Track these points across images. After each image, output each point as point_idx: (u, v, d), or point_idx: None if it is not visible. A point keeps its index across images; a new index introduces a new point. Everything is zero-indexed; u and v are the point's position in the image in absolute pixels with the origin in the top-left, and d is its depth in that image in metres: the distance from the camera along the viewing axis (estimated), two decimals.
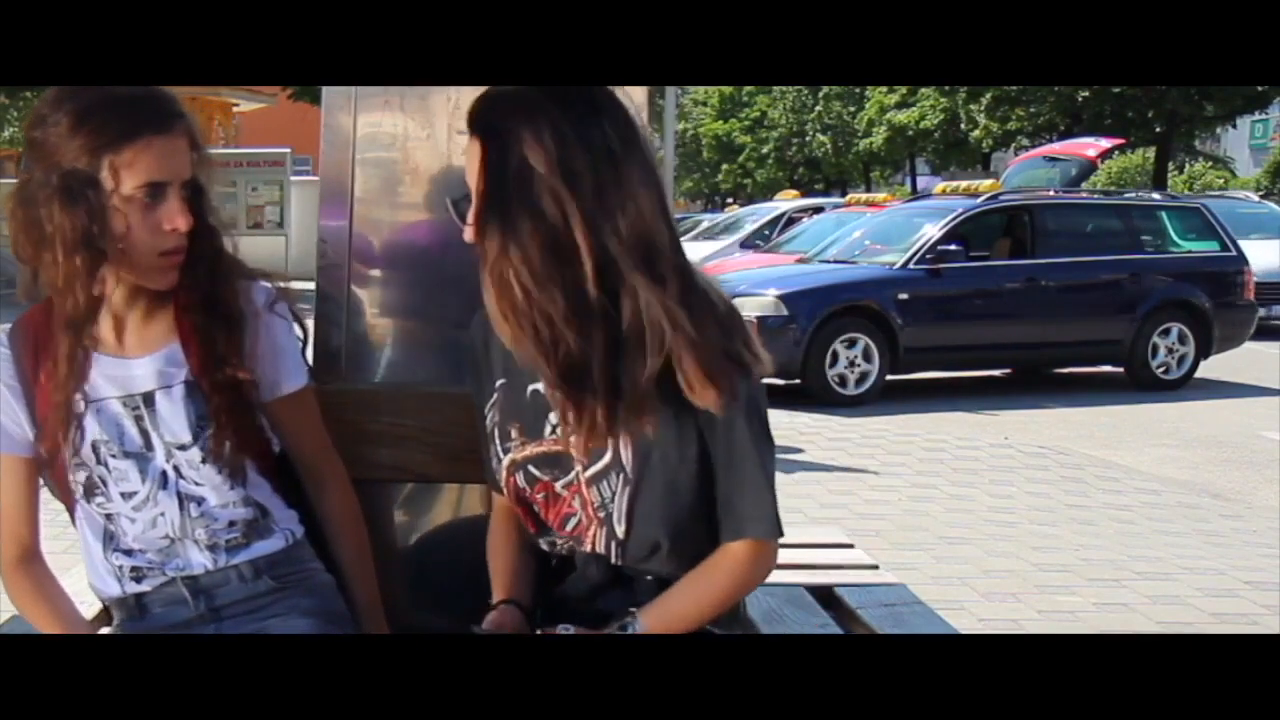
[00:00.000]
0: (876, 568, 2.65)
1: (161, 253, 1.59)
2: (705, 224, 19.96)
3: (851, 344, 8.80)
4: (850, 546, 2.84)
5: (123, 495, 1.65)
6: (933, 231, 9.41)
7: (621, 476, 1.52)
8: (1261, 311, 10.70)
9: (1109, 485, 6.23)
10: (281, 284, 1.73)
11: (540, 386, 1.55)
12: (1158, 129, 25.44)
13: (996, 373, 10.09)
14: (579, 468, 1.54)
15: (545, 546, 1.61)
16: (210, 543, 1.68)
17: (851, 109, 37.53)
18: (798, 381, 8.71)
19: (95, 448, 1.63)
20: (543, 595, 1.62)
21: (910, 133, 32.66)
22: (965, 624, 3.94)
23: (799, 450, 6.88)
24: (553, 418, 1.55)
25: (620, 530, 1.54)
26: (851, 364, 8.80)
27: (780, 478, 1.55)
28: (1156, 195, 12.71)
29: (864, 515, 5.51)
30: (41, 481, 1.69)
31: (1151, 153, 25.87)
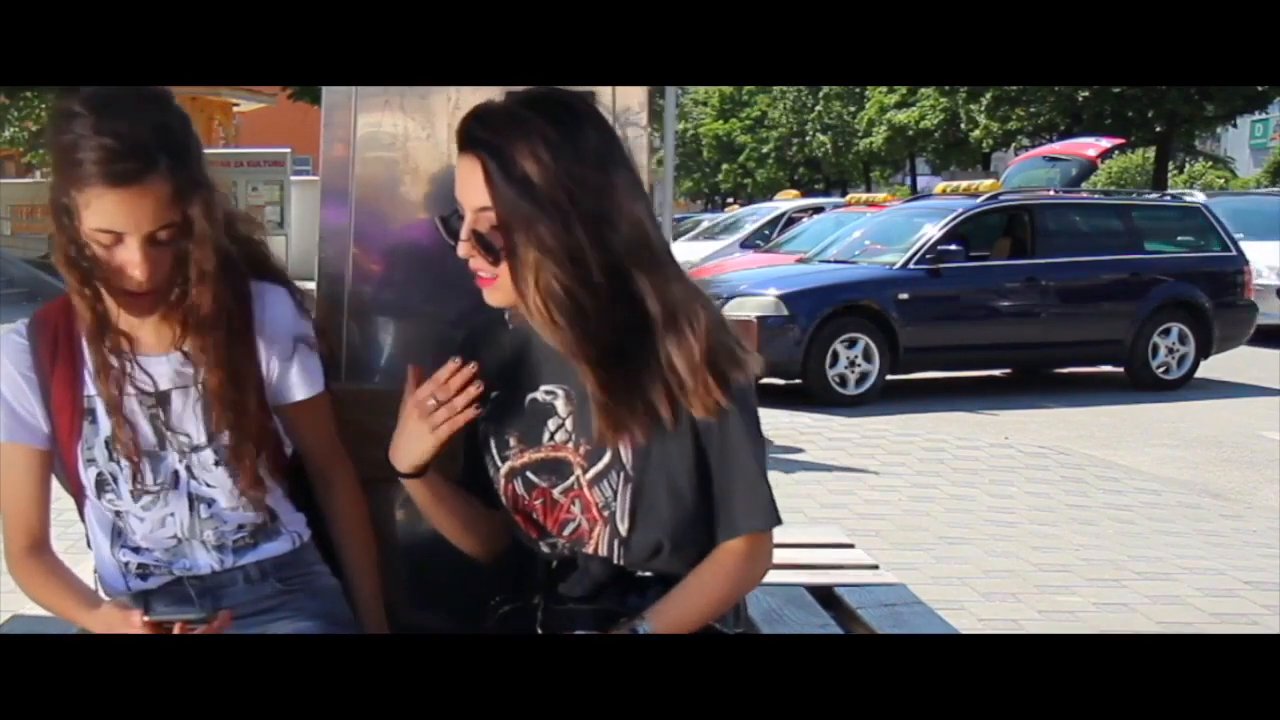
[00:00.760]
0: (876, 568, 2.66)
1: (126, 291, 1.56)
2: (705, 224, 20.00)
3: (852, 344, 8.80)
4: (850, 546, 2.84)
5: (133, 493, 1.65)
6: (933, 231, 9.40)
7: (622, 475, 1.54)
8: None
9: (1109, 485, 6.22)
10: (299, 284, 1.74)
11: (540, 395, 1.58)
12: (1158, 129, 25.44)
13: (996, 373, 10.08)
14: (579, 471, 1.56)
15: (545, 549, 1.62)
16: (218, 543, 1.69)
17: (851, 109, 37.50)
18: (798, 381, 8.70)
19: (108, 444, 1.63)
20: (544, 595, 1.62)
21: (910, 133, 32.63)
22: (965, 624, 3.94)
23: (799, 450, 6.87)
24: (551, 424, 1.58)
25: (624, 528, 1.56)
26: (852, 364, 8.80)
27: (780, 478, 1.56)
28: (1168, 195, 12.61)
29: (864, 515, 5.49)
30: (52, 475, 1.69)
31: (1151, 153, 25.87)
